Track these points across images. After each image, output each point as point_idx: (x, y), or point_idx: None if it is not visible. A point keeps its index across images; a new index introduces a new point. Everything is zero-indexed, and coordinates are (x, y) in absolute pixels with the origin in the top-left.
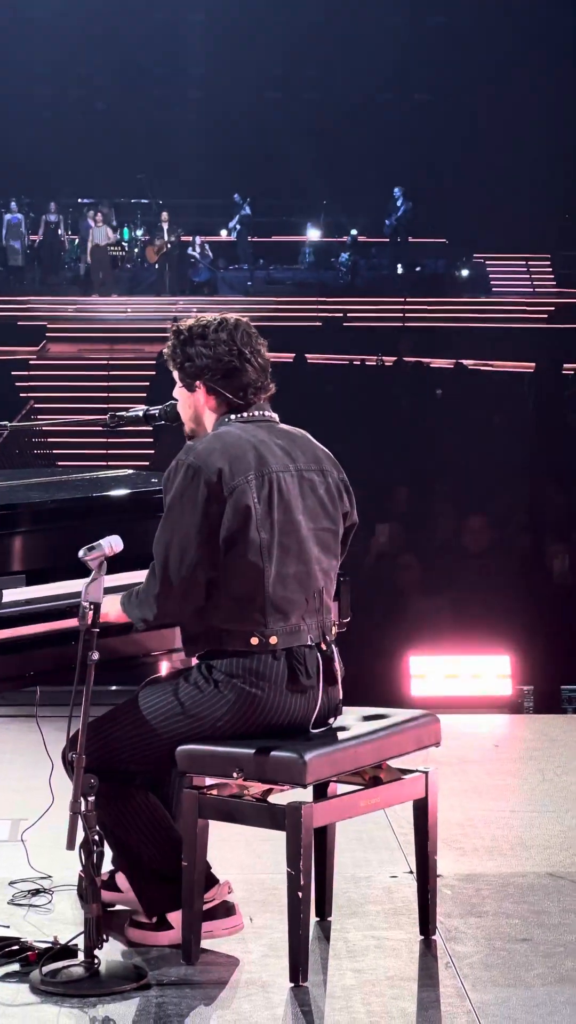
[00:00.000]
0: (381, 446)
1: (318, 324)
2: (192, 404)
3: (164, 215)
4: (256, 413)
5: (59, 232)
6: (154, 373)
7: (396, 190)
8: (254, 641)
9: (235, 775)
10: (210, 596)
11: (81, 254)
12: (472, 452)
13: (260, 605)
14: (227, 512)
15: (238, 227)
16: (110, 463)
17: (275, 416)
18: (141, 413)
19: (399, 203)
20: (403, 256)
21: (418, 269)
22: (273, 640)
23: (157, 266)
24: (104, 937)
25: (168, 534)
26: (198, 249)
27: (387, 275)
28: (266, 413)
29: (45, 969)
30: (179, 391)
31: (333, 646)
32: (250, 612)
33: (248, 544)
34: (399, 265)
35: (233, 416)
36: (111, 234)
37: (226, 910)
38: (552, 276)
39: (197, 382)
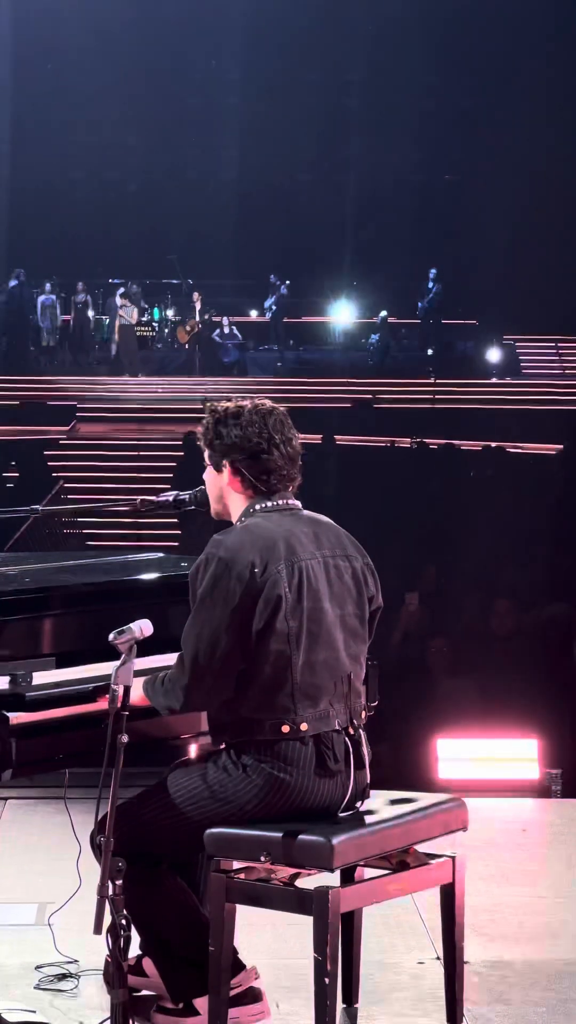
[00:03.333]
0: (408, 528)
1: (347, 405)
2: (218, 484)
3: (196, 295)
4: (280, 502)
5: (88, 312)
6: (182, 454)
7: (431, 271)
8: (285, 729)
9: (263, 859)
10: (238, 686)
11: (110, 334)
12: (500, 534)
13: (289, 692)
14: (259, 604)
15: (273, 308)
16: (140, 543)
17: (298, 504)
18: (171, 499)
19: (431, 284)
20: (433, 337)
21: (447, 351)
22: (304, 727)
23: (187, 346)
24: (131, 1023)
25: (199, 627)
26: (225, 329)
27: (417, 356)
28: (290, 502)
29: None
30: (207, 470)
31: (361, 731)
32: (279, 700)
33: (277, 633)
34: (429, 347)
35: (258, 507)
36: (136, 314)
37: (253, 996)
38: None
39: (224, 461)
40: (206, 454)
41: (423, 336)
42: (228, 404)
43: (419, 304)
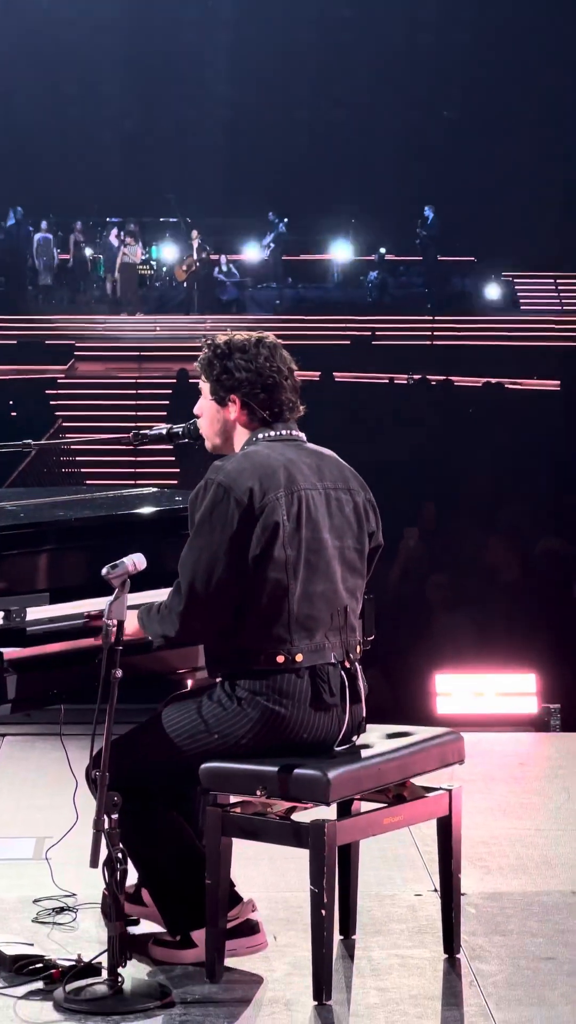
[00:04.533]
0: (407, 464)
1: (346, 342)
2: (221, 419)
3: (194, 233)
4: (284, 432)
5: (86, 251)
6: (172, 391)
7: (427, 209)
8: (280, 659)
9: (259, 793)
10: (235, 616)
11: (107, 272)
12: (499, 470)
13: (285, 623)
14: (256, 530)
15: (272, 245)
16: (137, 481)
17: (302, 435)
18: (164, 431)
19: (429, 221)
20: (432, 275)
21: (446, 287)
22: (299, 658)
23: (185, 285)
24: (128, 955)
25: (196, 553)
26: (224, 267)
27: (416, 293)
28: (293, 432)
29: (69, 987)
30: (207, 405)
31: (357, 664)
32: (275, 630)
33: (274, 562)
34: (427, 284)
35: (261, 435)
36: (141, 253)
37: (250, 928)
38: None
39: (232, 396)
40: (207, 388)
41: (421, 274)
42: (226, 338)
43: (417, 242)
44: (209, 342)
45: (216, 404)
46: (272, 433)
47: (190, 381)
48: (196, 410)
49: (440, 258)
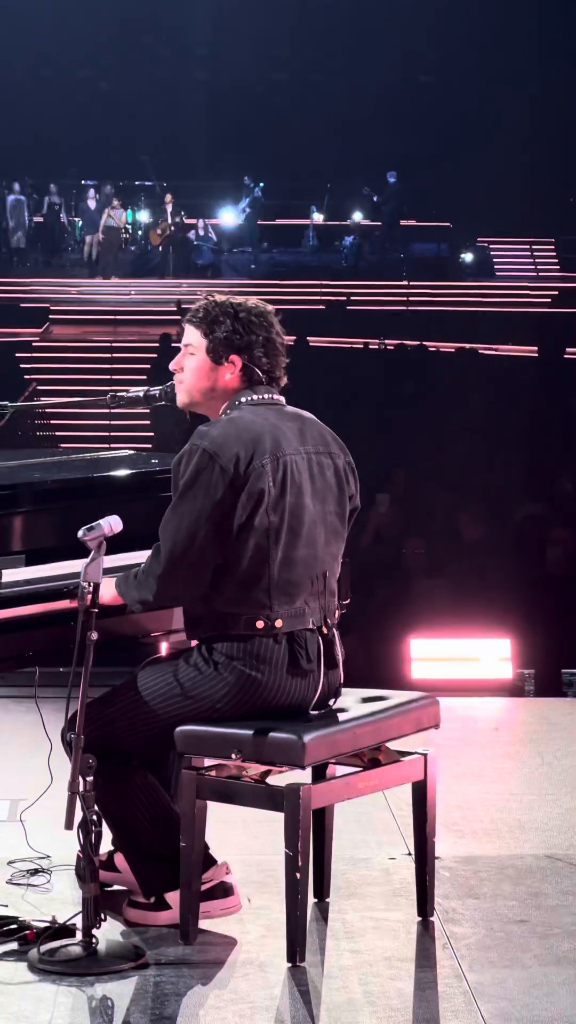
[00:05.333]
0: (382, 429)
1: (321, 307)
2: (213, 377)
3: (168, 197)
4: (265, 396)
5: (60, 214)
6: (156, 356)
7: (390, 174)
8: (259, 624)
9: (234, 756)
10: (215, 580)
11: (84, 235)
12: (473, 436)
13: (266, 588)
14: (242, 498)
15: (247, 210)
16: (112, 444)
17: (282, 399)
18: (141, 394)
19: (390, 186)
20: (408, 239)
21: (422, 252)
22: (278, 623)
23: (160, 248)
24: (102, 917)
25: (179, 518)
26: (201, 231)
27: (391, 259)
28: (275, 396)
29: (43, 948)
30: (198, 361)
31: (335, 630)
32: (256, 595)
33: (257, 527)
34: (402, 249)
35: (243, 399)
36: (124, 219)
37: (224, 891)
38: (556, 260)
39: (232, 355)
40: (204, 345)
41: (396, 239)
42: (234, 299)
43: (383, 208)
44: (216, 300)
45: (211, 361)
46: (255, 397)
47: (173, 345)
48: (174, 365)
49: (415, 223)
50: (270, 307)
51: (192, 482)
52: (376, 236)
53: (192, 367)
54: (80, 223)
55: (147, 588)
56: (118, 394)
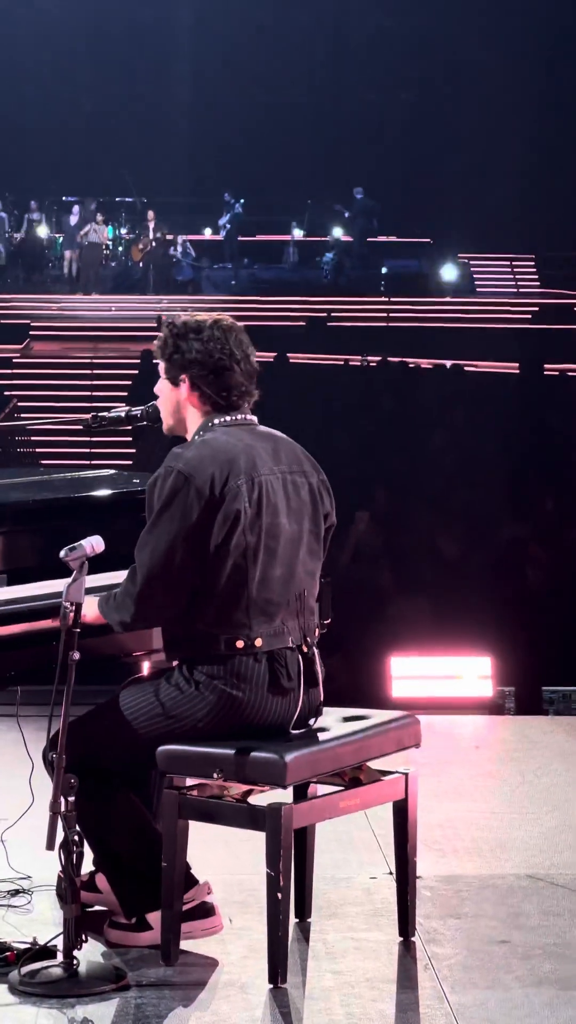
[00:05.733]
0: (362, 446)
1: (302, 324)
2: (175, 399)
3: (150, 214)
4: (238, 416)
5: (42, 230)
6: (137, 372)
7: (357, 190)
8: (239, 644)
9: (215, 776)
10: (194, 601)
11: (64, 251)
12: (454, 452)
13: (244, 608)
14: (218, 518)
15: (227, 226)
16: (93, 462)
17: (254, 419)
18: (123, 414)
19: (358, 202)
20: (382, 255)
21: (402, 269)
22: (258, 643)
23: (141, 265)
24: (83, 938)
25: (154, 540)
26: (180, 248)
27: (372, 275)
28: (247, 416)
29: (24, 970)
30: (162, 384)
31: (314, 648)
32: (235, 616)
33: (234, 548)
34: (374, 265)
35: (216, 420)
36: (105, 235)
37: (205, 911)
38: (536, 276)
39: (183, 375)
40: (162, 367)
41: (378, 256)
42: (186, 318)
43: (354, 223)
44: (168, 321)
45: (170, 384)
46: (227, 418)
47: (154, 362)
48: (156, 389)
49: (396, 239)
50: (225, 322)
51: (168, 504)
52: (355, 252)
53: (160, 390)
54: (60, 239)
55: (125, 609)
56: (100, 414)
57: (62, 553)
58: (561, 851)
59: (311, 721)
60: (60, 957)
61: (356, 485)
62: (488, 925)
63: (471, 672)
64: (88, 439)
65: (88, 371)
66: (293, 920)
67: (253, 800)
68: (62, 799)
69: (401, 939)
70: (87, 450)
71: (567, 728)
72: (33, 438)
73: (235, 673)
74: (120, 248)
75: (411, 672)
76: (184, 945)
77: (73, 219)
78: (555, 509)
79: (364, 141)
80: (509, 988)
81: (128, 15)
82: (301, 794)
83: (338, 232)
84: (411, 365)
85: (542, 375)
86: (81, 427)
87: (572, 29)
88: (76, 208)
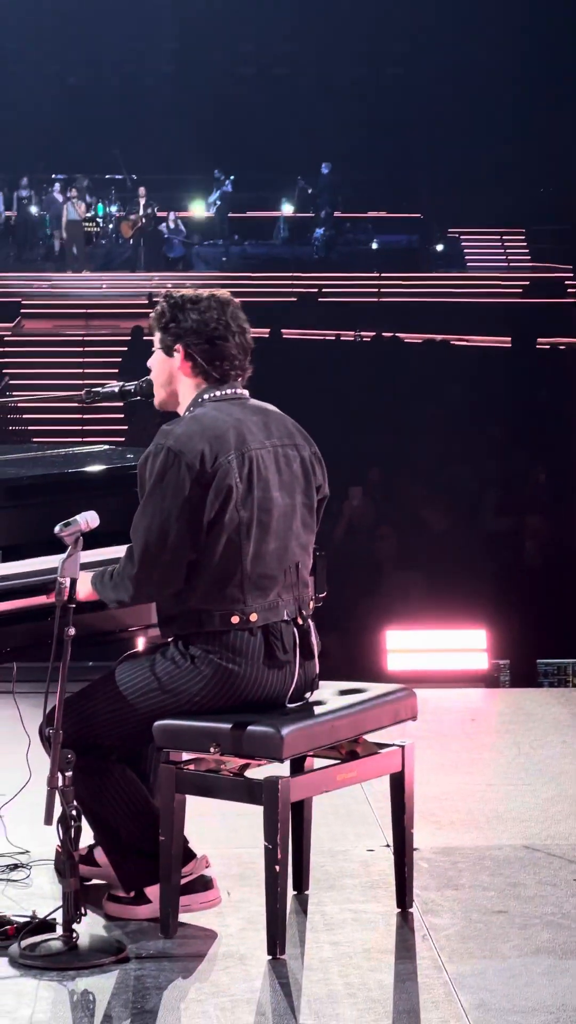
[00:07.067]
0: (355, 421)
1: (293, 299)
2: (168, 369)
3: (141, 190)
4: (228, 391)
5: (31, 208)
6: (127, 348)
7: (324, 165)
8: (234, 619)
9: (212, 750)
10: (188, 578)
11: (54, 229)
12: (447, 426)
13: (239, 583)
14: (210, 495)
15: (218, 203)
16: (86, 439)
17: (246, 393)
18: (116, 389)
19: (324, 177)
20: (328, 230)
21: (393, 244)
22: (253, 617)
23: (132, 242)
24: (82, 911)
25: (148, 518)
26: (171, 224)
27: (363, 250)
28: (238, 391)
29: (24, 943)
30: (156, 356)
31: (310, 621)
32: (229, 591)
33: (227, 524)
34: (326, 240)
35: (207, 396)
36: (84, 209)
37: (204, 884)
38: (526, 250)
39: (178, 345)
40: (157, 338)
41: (371, 229)
42: (186, 291)
43: (321, 196)
44: (167, 293)
45: (164, 354)
46: (217, 393)
47: (144, 338)
48: (149, 363)
49: (386, 214)
50: (222, 296)
51: (159, 481)
52: (347, 227)
53: (153, 362)
54: (48, 217)
55: (123, 589)
56: (94, 389)
57: (57, 529)
58: (557, 821)
59: (307, 694)
60: (60, 931)
61: (349, 460)
62: (485, 896)
63: (466, 645)
64: (81, 416)
65: (79, 348)
66: (291, 892)
67: (250, 774)
68: (59, 774)
69: (399, 910)
70: (80, 428)
71: (562, 700)
72: (25, 416)
73: (230, 647)
74: (111, 225)
75: (407, 645)
76: (183, 918)
77: (58, 196)
78: (548, 482)
79: (352, 116)
80: (507, 958)
81: None
82: (298, 767)
83: (328, 207)
84: (405, 340)
85: (534, 349)
86: (76, 403)
87: None
88: (58, 186)
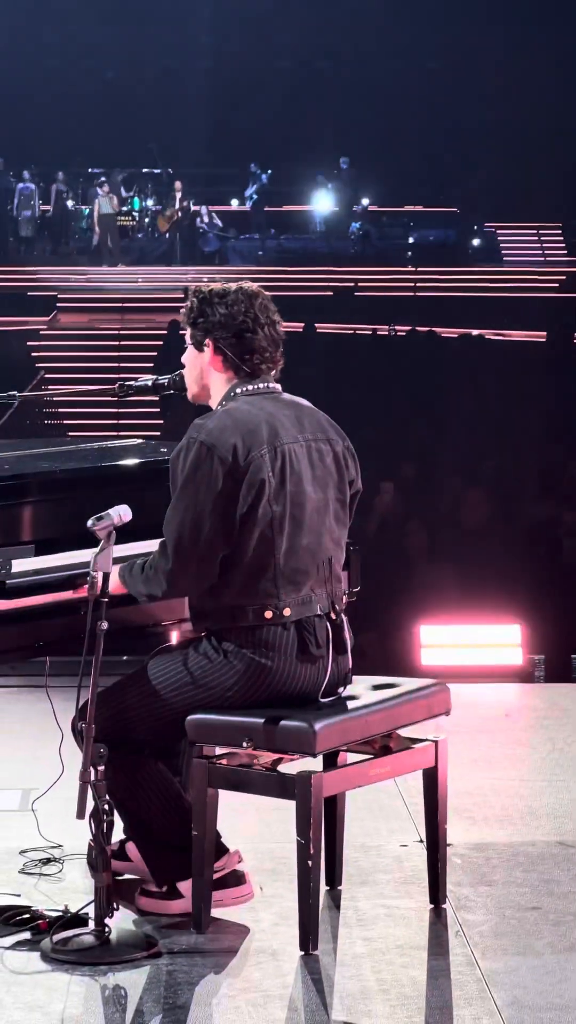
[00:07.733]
0: (390, 415)
1: (329, 293)
2: (199, 364)
3: (177, 184)
4: (260, 385)
5: (68, 202)
6: (163, 343)
7: (343, 160)
8: (268, 615)
9: (245, 744)
10: (221, 572)
11: (90, 224)
12: (482, 421)
13: (272, 577)
14: (243, 489)
15: (254, 196)
16: (120, 432)
17: (278, 387)
18: (150, 383)
19: (343, 171)
20: (345, 224)
21: (430, 239)
22: (287, 612)
23: (168, 236)
24: (114, 906)
25: (181, 513)
26: (206, 218)
27: (399, 244)
28: (270, 384)
29: (56, 938)
30: (188, 351)
31: (343, 615)
32: (262, 586)
33: (261, 518)
34: (327, 236)
35: (239, 390)
36: (117, 203)
37: (236, 879)
38: (563, 245)
39: (207, 340)
40: (188, 333)
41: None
42: (214, 285)
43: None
44: (195, 288)
45: (195, 349)
46: (250, 387)
47: (180, 332)
48: (183, 359)
49: (423, 208)
50: (249, 288)
51: (192, 476)
52: (384, 221)
53: (186, 357)
54: (87, 211)
55: (156, 584)
56: (127, 383)
57: (89, 523)
58: None
59: (340, 689)
60: (92, 925)
61: (384, 454)
62: (519, 892)
63: (501, 640)
64: (115, 410)
65: (115, 342)
66: (323, 888)
67: (283, 769)
68: (92, 769)
69: (432, 906)
70: (114, 421)
71: None
72: (60, 409)
73: (263, 642)
74: (147, 219)
75: (440, 640)
76: (215, 913)
77: (99, 191)
78: None
79: (391, 110)
80: (540, 954)
81: None
82: (331, 762)
83: (365, 201)
84: (442, 335)
85: (570, 343)
86: (110, 397)
87: None
88: (99, 181)
